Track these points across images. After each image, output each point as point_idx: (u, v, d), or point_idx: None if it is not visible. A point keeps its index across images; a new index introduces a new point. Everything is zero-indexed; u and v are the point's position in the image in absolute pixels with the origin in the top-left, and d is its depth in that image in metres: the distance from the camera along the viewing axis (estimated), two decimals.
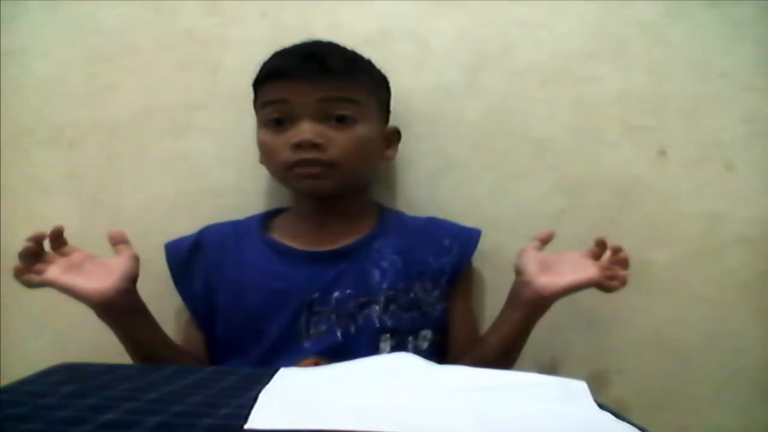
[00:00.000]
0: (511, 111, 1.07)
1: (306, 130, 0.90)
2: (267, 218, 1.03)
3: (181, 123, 1.09)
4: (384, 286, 0.94)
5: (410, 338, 0.94)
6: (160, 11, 1.10)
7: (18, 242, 1.09)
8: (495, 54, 1.07)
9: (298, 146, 0.90)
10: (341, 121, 0.91)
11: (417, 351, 0.92)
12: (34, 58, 1.11)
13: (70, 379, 0.60)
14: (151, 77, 1.10)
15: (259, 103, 0.96)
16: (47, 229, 0.83)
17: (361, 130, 0.93)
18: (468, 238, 1.00)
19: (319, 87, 0.90)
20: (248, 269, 0.95)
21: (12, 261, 1.09)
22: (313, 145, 0.90)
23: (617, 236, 1.05)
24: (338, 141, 0.91)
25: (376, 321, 0.93)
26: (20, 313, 1.08)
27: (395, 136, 1.02)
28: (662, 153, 1.05)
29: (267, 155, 0.96)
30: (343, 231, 0.98)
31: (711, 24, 1.05)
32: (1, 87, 1.10)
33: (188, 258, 0.98)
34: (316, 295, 0.92)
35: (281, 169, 0.94)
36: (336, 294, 0.92)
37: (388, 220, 1.02)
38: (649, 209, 1.06)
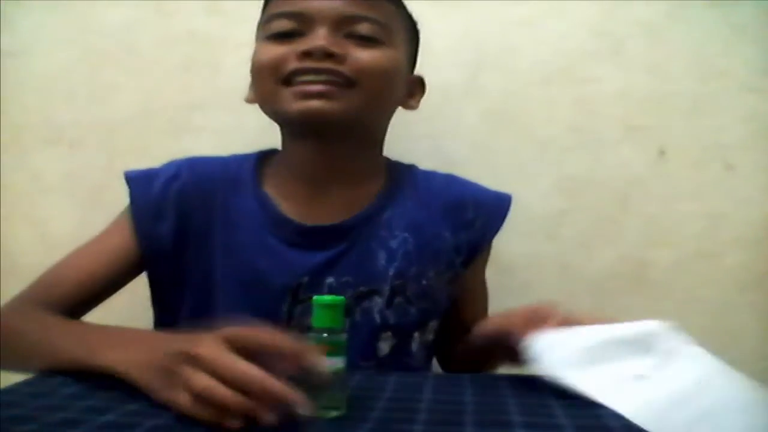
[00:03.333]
0: (512, 111, 1.07)
1: (321, 36, 0.72)
2: (261, 163, 0.84)
3: (181, 123, 1.09)
4: (390, 273, 0.77)
5: (416, 334, 0.80)
6: (160, 11, 1.10)
7: (18, 242, 1.10)
8: (495, 54, 1.07)
9: (307, 54, 0.72)
10: (366, 40, 0.75)
11: (423, 346, 0.81)
12: (35, 58, 1.11)
13: (71, 381, 0.60)
14: (152, 77, 1.10)
15: (264, 18, 0.80)
16: None
17: (389, 53, 0.76)
18: (496, 209, 0.85)
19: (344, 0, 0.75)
20: (237, 237, 0.77)
21: (12, 261, 1.09)
22: (328, 55, 0.72)
23: (617, 236, 1.05)
24: (360, 56, 0.73)
25: (377, 317, 0.77)
26: None
27: (419, 86, 0.87)
28: (662, 153, 1.05)
29: (261, 70, 0.76)
30: (345, 197, 0.79)
31: (711, 24, 1.05)
32: (1, 87, 1.10)
33: (162, 194, 0.78)
34: (305, 279, 0.75)
35: (275, 86, 0.74)
36: (330, 280, 0.76)
37: (400, 180, 0.84)
38: (649, 209, 1.06)
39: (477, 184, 0.88)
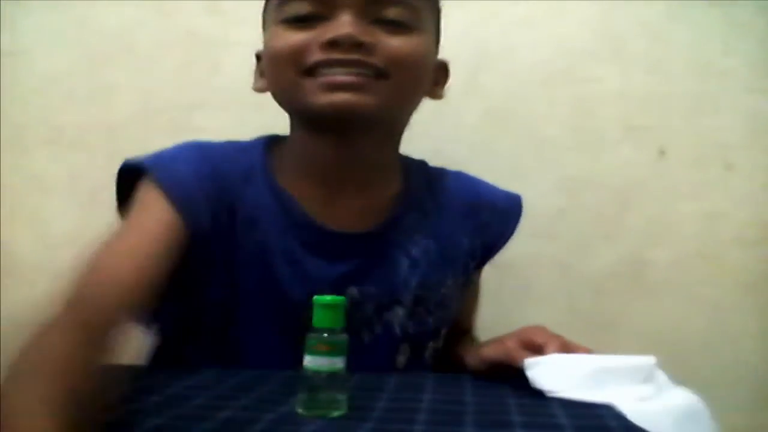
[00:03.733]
0: (512, 111, 1.07)
1: (347, 22, 0.65)
2: (269, 152, 0.75)
3: (182, 123, 1.09)
4: (413, 283, 0.73)
5: (430, 344, 0.77)
6: (160, 11, 1.10)
7: (18, 242, 1.10)
8: (495, 54, 1.07)
9: (333, 44, 0.65)
10: (395, 26, 0.68)
11: (435, 353, 0.79)
12: (35, 58, 1.11)
13: None
14: (152, 77, 1.10)
15: (276, 1, 0.70)
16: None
17: (420, 40, 0.69)
18: (510, 211, 0.82)
19: None
20: (256, 236, 0.70)
21: (12, 261, 1.09)
22: (356, 45, 0.65)
23: (617, 236, 1.05)
24: (391, 45, 0.67)
25: (398, 329, 0.73)
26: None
27: (443, 72, 0.79)
28: (662, 153, 1.05)
29: (279, 59, 0.69)
30: (364, 197, 0.73)
31: (711, 23, 1.05)
32: (1, 87, 1.10)
33: (194, 182, 0.68)
34: (327, 290, 0.63)
35: (296, 77, 0.67)
36: (353, 291, 0.70)
37: (416, 179, 0.79)
38: (649, 209, 1.06)
39: (487, 183, 0.84)
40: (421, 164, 0.83)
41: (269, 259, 0.70)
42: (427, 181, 0.80)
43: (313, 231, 0.71)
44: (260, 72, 0.76)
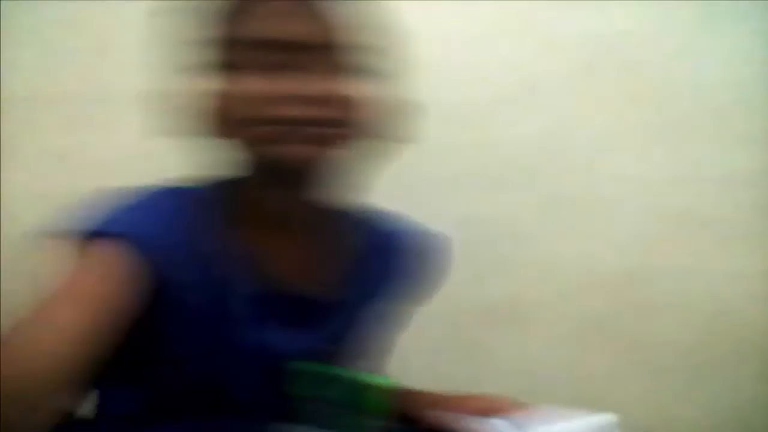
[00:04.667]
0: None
1: (297, 74, 0.59)
2: (217, 200, 0.67)
3: None
4: (363, 334, 0.74)
5: None
6: None
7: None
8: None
9: (280, 100, 0.58)
10: (346, 71, 0.62)
11: None
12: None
13: None
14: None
15: (239, 40, 0.60)
16: None
17: (376, 83, 0.65)
18: (426, 254, 0.79)
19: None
20: (227, 304, 0.64)
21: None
22: (308, 101, 0.59)
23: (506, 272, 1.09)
24: (345, 94, 0.61)
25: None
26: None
27: (402, 110, 0.71)
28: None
29: (224, 108, 0.60)
30: (327, 243, 0.70)
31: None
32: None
33: (162, 231, 0.61)
34: (310, 357, 0.67)
35: (242, 126, 0.60)
36: (332, 348, 0.70)
37: (347, 223, 0.73)
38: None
39: (403, 222, 0.79)
40: (341, 204, 0.74)
41: (245, 330, 0.66)
42: (354, 223, 0.74)
43: (291, 305, 0.67)
44: None
